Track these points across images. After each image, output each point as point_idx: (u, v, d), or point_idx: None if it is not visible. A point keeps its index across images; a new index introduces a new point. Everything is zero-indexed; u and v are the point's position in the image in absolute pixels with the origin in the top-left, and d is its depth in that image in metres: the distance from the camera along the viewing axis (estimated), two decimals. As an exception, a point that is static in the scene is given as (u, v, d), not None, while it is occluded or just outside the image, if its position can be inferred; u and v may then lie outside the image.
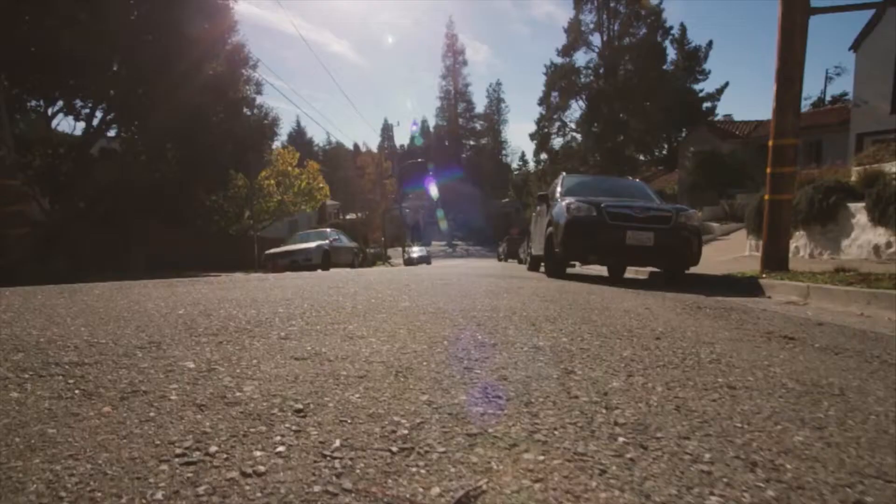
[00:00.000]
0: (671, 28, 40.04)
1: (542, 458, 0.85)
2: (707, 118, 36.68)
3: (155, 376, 1.22)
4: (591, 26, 40.19)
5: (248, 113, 17.86)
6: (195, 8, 14.83)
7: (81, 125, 15.41)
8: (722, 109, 38.83)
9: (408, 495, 0.69)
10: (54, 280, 7.30)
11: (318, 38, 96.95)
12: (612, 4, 39.62)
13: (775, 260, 7.01)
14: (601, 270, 10.29)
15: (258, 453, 0.82)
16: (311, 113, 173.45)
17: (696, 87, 40.95)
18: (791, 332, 2.85)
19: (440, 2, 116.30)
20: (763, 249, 7.71)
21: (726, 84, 41.29)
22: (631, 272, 10.11)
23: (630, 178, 12.02)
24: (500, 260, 31.71)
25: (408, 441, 0.89)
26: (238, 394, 1.11)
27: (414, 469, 0.78)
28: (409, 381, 1.28)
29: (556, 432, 0.97)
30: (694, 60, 41.25)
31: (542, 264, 9.11)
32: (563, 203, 7.21)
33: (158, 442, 0.84)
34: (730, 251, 13.64)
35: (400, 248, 38.65)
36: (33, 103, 14.28)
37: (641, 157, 40.79)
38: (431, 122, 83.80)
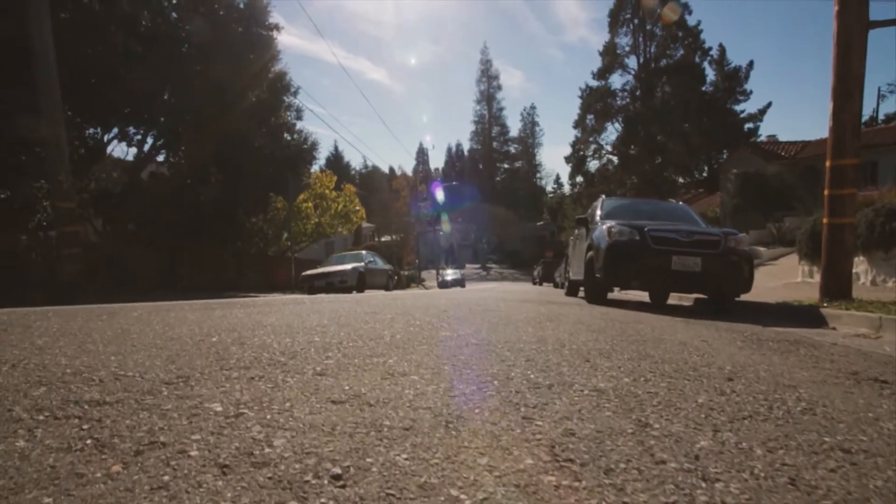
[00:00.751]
0: (710, 49, 39.35)
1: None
2: (749, 139, 35.57)
3: (177, 422, 1.08)
4: (627, 49, 39.95)
5: (289, 138, 18.35)
6: (242, 40, 15.48)
7: (133, 150, 16.15)
8: (765, 130, 37.75)
9: None
10: (102, 299, 7.49)
11: (356, 66, 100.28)
12: (648, 27, 39.35)
13: (836, 288, 6.53)
14: (642, 296, 9.86)
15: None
16: (349, 137, 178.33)
17: (738, 107, 39.92)
18: (879, 374, 2.53)
19: (475, 29, 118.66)
20: (822, 276, 7.23)
21: (769, 104, 40.08)
22: (674, 298, 9.66)
23: (672, 200, 11.62)
24: (534, 283, 31.19)
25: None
26: (267, 450, 0.96)
27: None
28: (462, 435, 1.10)
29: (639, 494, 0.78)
30: (734, 81, 40.30)
31: (581, 289, 8.81)
32: (604, 227, 6.96)
33: (171, 519, 0.70)
34: (780, 277, 12.93)
35: (434, 271, 38.62)
36: (91, 131, 15.06)
37: (680, 180, 39.77)
38: (465, 146, 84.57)
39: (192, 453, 0.93)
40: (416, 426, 1.14)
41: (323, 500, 0.77)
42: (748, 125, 39.34)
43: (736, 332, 4.32)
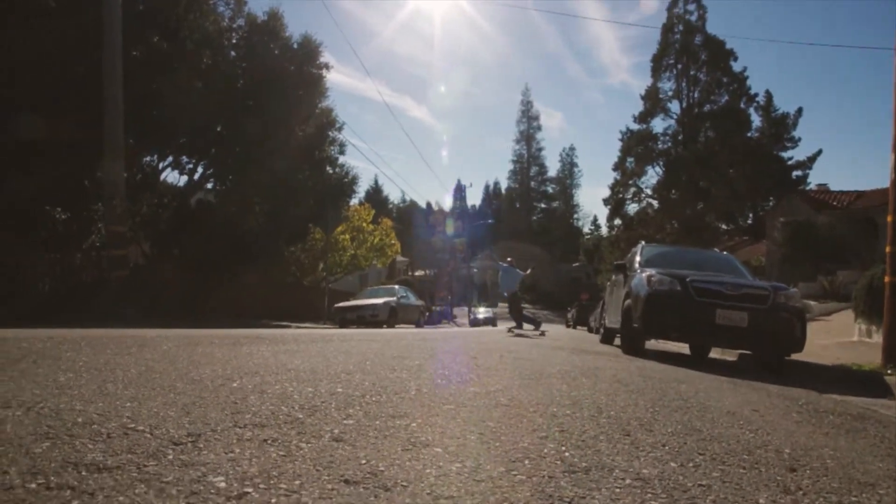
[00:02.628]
0: (756, 95, 38.74)
1: None
2: (797, 187, 34.36)
3: (175, 502, 0.99)
4: (670, 94, 39.84)
5: (331, 171, 18.88)
6: (293, 77, 16.24)
7: (184, 178, 16.94)
8: (815, 178, 36.20)
9: None
10: (142, 323, 7.68)
11: (400, 104, 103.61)
12: (692, 72, 39.22)
13: (901, 351, 6.06)
14: (681, 347, 9.38)
15: None
16: (389, 172, 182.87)
17: (785, 154, 38.81)
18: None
19: (517, 71, 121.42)
20: (885, 339, 6.76)
21: (819, 152, 38.76)
22: (716, 352, 9.17)
23: (716, 249, 11.18)
24: (568, 326, 30.43)
25: None
26: (265, 549, 0.86)
27: None
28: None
29: None
30: (782, 127, 39.37)
31: (617, 337, 8.48)
32: (644, 275, 6.72)
33: None
34: (833, 334, 12.11)
35: (466, 308, 38.30)
36: (148, 158, 15.93)
37: (723, 226, 38.59)
38: (503, 185, 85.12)
39: (181, 551, 0.83)
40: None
41: None
42: (796, 173, 38.12)
43: (789, 399, 3.99)
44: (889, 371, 5.94)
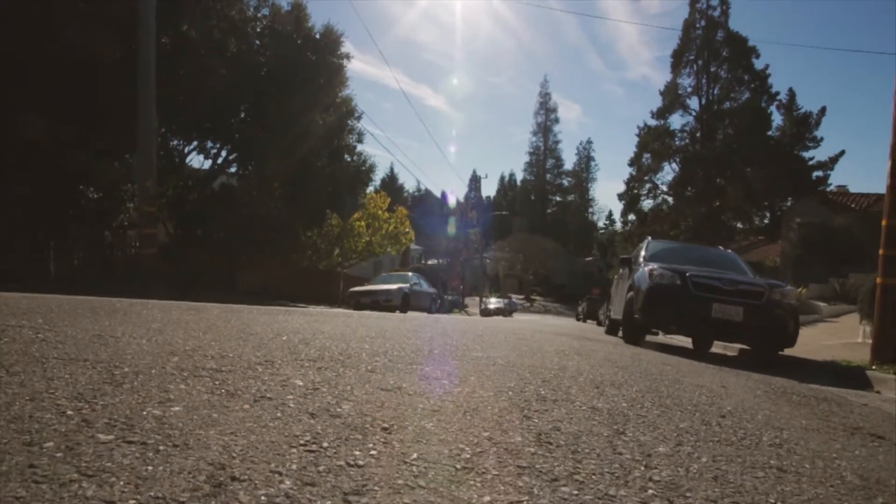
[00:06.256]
0: (777, 93, 38.33)
1: (576, 492, 1.03)
2: (818, 187, 34.09)
3: (275, 388, 1.54)
4: (689, 90, 39.55)
5: (349, 159, 19.43)
6: (315, 66, 16.75)
7: (208, 162, 17.66)
8: (836, 180, 35.99)
9: (465, 499, 0.91)
10: (174, 297, 8.34)
11: (417, 93, 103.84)
12: (712, 69, 38.89)
13: (888, 350, 6.39)
14: (686, 342, 9.79)
15: (357, 452, 1.08)
16: (404, 161, 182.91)
17: (806, 154, 38.43)
18: (883, 432, 2.68)
19: (535, 63, 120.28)
20: (874, 337, 7.06)
21: (842, 153, 38.26)
22: (718, 347, 9.52)
23: (721, 247, 11.50)
24: (578, 319, 30.77)
25: (469, 462, 1.11)
26: (338, 409, 1.40)
27: (472, 483, 1.00)
28: (474, 419, 1.49)
29: (593, 476, 1.14)
30: (804, 127, 38.94)
31: (621, 329, 8.87)
32: (646, 268, 7.10)
33: (287, 434, 1.14)
34: (839, 335, 12.37)
35: (477, 298, 38.83)
36: (174, 142, 16.65)
37: (739, 225, 38.45)
38: (518, 176, 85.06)
39: (291, 405, 1.38)
40: (443, 409, 1.55)
41: (377, 437, 1.20)
42: (817, 173, 37.76)
43: (766, 383, 4.39)
44: (874, 367, 6.27)
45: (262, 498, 0.83)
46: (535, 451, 1.26)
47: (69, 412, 1.12)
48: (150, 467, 0.90)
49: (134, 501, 0.78)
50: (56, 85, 10.98)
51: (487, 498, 0.93)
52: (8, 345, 1.75)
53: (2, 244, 10.57)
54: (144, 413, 1.18)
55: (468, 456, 1.16)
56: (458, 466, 1.08)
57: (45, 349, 1.73)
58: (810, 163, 38.06)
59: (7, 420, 1.03)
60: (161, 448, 0.98)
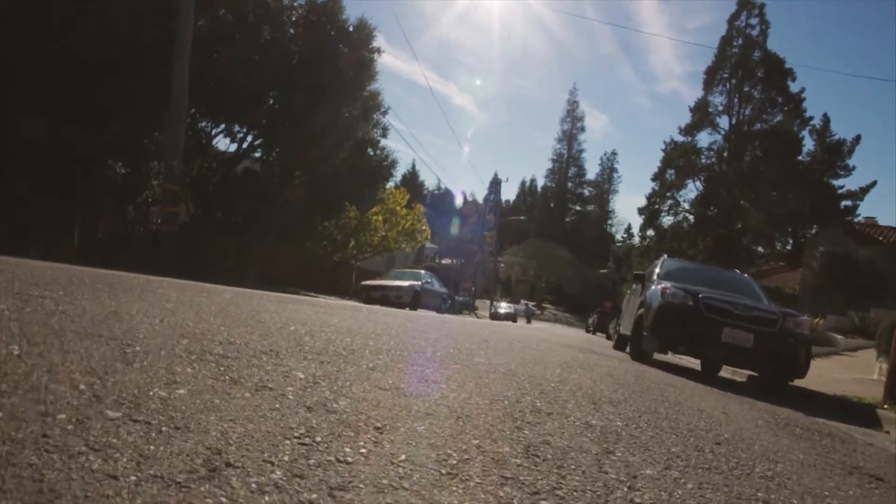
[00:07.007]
0: (811, 118, 37.59)
1: (558, 510, 1.07)
2: (846, 217, 33.36)
3: (277, 378, 1.60)
4: (720, 108, 39.00)
5: (371, 153, 19.58)
6: (346, 59, 16.91)
7: (234, 146, 17.95)
8: (865, 210, 35.17)
9: (444, 503, 0.95)
10: (190, 276, 8.52)
11: (444, 90, 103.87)
12: (745, 89, 38.26)
13: (902, 389, 6.26)
14: (694, 363, 9.69)
15: (348, 449, 1.13)
16: (426, 158, 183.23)
17: (836, 182, 37.62)
18: (884, 474, 2.64)
19: (565, 69, 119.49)
20: (889, 375, 6.92)
21: (873, 183, 37.39)
22: (728, 372, 9.40)
23: (738, 271, 11.35)
24: (587, 331, 30.56)
25: (454, 469, 1.15)
26: (335, 405, 1.45)
27: (454, 488, 1.03)
28: (466, 426, 1.53)
29: (575, 493, 1.17)
30: (836, 154, 38.15)
31: (629, 345, 8.81)
32: (659, 287, 7.05)
33: (283, 425, 1.19)
34: (854, 370, 12.10)
35: (488, 301, 38.78)
36: (202, 124, 16.97)
37: (760, 249, 37.79)
38: (539, 182, 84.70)
39: (289, 397, 1.44)
40: (436, 414, 1.59)
41: (369, 436, 1.24)
42: (845, 202, 37.01)
43: (769, 413, 4.34)
44: (885, 406, 6.13)
45: (253, 485, 0.88)
46: (521, 463, 1.30)
47: (82, 386, 1.19)
48: (152, 447, 0.95)
49: (135, 477, 0.83)
50: (95, 58, 11.28)
51: (467, 506, 0.97)
52: (30, 315, 1.84)
53: (30, 211, 10.89)
54: (151, 393, 1.24)
55: (454, 462, 1.20)
56: (444, 471, 1.12)
57: (63, 322, 1.81)
58: (840, 191, 37.30)
59: (25, 390, 1.10)
60: (164, 429, 1.04)
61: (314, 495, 0.89)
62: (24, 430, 0.91)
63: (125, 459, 0.88)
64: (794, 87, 37.14)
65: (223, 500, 0.81)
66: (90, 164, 12.72)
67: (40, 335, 1.56)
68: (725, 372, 9.31)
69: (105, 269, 5.29)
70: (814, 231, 33.00)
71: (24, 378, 1.16)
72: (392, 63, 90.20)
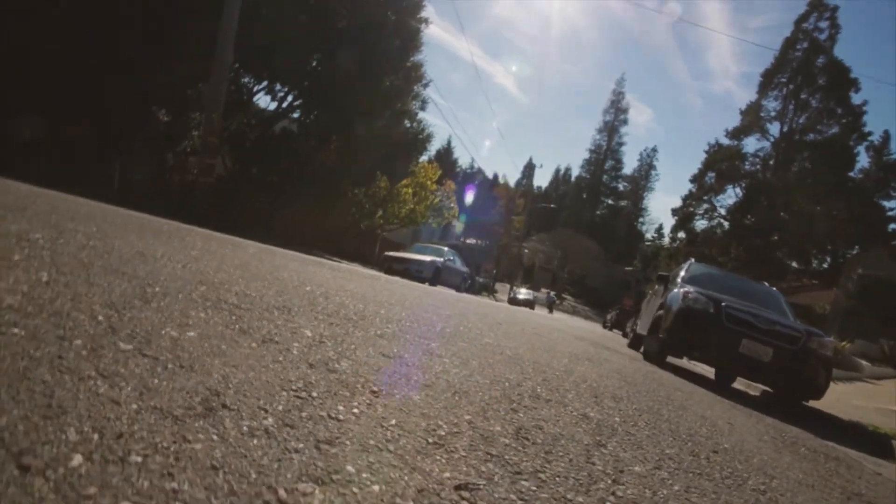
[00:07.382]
0: (870, 133, 35.69)
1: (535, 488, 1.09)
2: (892, 241, 31.87)
3: (285, 333, 1.65)
4: (773, 114, 37.42)
5: (408, 125, 19.51)
6: (392, 26, 16.77)
7: (273, 105, 18.12)
8: (914, 237, 33.43)
9: (425, 470, 0.98)
10: (220, 228, 8.76)
11: (489, 69, 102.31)
12: (803, 96, 36.49)
13: (926, 423, 6.05)
14: (708, 371, 9.54)
15: (341, 407, 1.17)
16: (462, 136, 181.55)
17: (888, 203, 35.85)
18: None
19: (615, 59, 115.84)
20: (910, 407, 6.69)
21: (928, 209, 35.46)
22: (742, 384, 9.23)
23: (766, 284, 11.02)
24: (604, 327, 30.33)
25: (442, 440, 1.17)
26: (336, 365, 1.49)
27: (437, 458, 1.06)
28: (461, 401, 1.56)
29: (557, 478, 1.19)
30: (892, 174, 36.24)
31: (643, 345, 8.72)
32: (681, 290, 6.93)
33: (283, 377, 1.24)
34: (875, 398, 11.72)
35: (508, 285, 38.73)
36: (245, 80, 17.14)
37: (794, 265, 36.53)
38: (574, 171, 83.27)
39: (294, 352, 1.49)
40: (434, 386, 1.62)
41: (364, 398, 1.28)
42: (894, 226, 35.27)
43: (777, 430, 4.25)
44: (903, 437, 5.95)
45: (245, 428, 0.93)
46: (510, 443, 1.32)
47: (100, 318, 1.25)
48: (156, 380, 1.01)
49: (136, 406, 0.88)
50: (147, 6, 11.48)
51: (447, 474, 1.00)
52: (62, 247, 1.94)
53: (75, 149, 11.29)
54: (163, 332, 1.30)
55: (443, 433, 1.22)
56: (430, 440, 1.15)
57: (92, 257, 1.90)
58: (889, 213, 35.54)
59: (49, 314, 1.16)
60: (170, 366, 1.10)
61: (301, 444, 0.93)
62: (42, 350, 0.97)
63: (129, 388, 0.94)
64: (855, 99, 35.28)
65: (214, 437, 0.86)
66: (136, 109, 13.06)
67: (69, 266, 1.65)
68: (740, 384, 9.15)
69: (139, 213, 5.48)
70: (855, 251, 31.68)
71: (48, 303, 1.23)
72: (438, 35, 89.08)
